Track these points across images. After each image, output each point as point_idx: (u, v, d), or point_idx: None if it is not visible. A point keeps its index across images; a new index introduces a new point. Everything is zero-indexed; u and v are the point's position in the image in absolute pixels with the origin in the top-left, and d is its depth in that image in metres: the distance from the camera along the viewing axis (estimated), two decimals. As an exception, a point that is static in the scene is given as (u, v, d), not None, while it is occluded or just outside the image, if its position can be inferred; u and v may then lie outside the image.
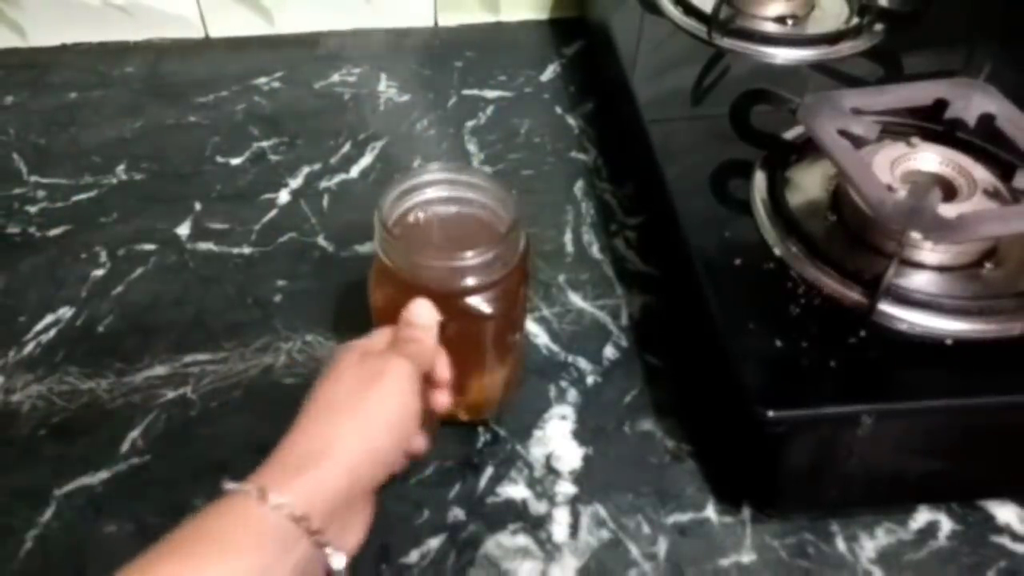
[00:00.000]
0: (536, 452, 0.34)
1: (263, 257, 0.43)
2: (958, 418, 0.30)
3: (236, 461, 0.34)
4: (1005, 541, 0.32)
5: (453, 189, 0.32)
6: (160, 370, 0.37)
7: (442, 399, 0.29)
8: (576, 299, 0.41)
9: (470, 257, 0.28)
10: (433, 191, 0.32)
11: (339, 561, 0.24)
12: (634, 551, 0.31)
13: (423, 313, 0.28)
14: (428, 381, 0.29)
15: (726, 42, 0.46)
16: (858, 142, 0.34)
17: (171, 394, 0.36)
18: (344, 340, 0.29)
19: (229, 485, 0.23)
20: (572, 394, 0.37)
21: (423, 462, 0.34)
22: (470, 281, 0.29)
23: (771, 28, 0.47)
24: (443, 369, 0.29)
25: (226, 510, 0.23)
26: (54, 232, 0.44)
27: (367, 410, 0.25)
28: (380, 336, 0.29)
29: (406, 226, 0.31)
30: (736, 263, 0.33)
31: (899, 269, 0.31)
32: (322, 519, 0.23)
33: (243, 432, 0.35)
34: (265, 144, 0.50)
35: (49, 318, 0.40)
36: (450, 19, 0.60)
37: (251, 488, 0.23)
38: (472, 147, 0.50)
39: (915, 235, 0.31)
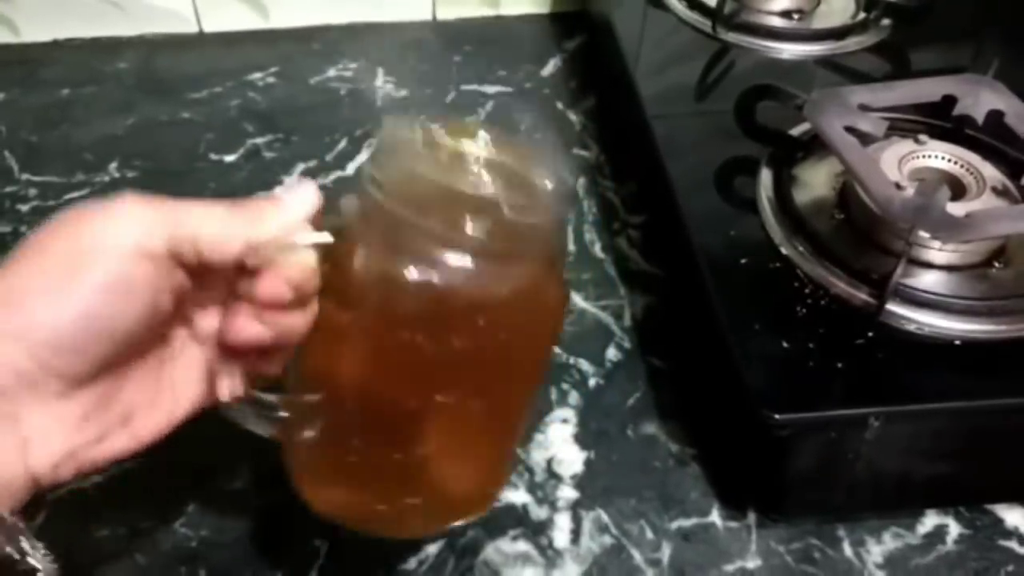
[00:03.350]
0: (537, 456, 0.34)
1: (258, 256, 0.42)
2: (967, 420, 0.29)
3: (229, 465, 0.33)
4: (1013, 545, 0.31)
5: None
6: (153, 372, 0.37)
7: (240, 323, 0.19)
8: (578, 299, 0.40)
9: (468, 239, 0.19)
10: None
11: None
12: (637, 557, 0.31)
13: (298, 188, 0.19)
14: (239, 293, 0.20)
15: (731, 37, 0.45)
16: (865, 139, 0.33)
17: (164, 396, 0.36)
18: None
19: None
20: (574, 397, 0.36)
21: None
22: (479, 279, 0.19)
23: (777, 23, 0.46)
24: (272, 278, 0.19)
25: None
26: (45, 231, 0.44)
27: (37, 259, 0.17)
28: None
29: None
30: (741, 262, 0.33)
31: (907, 268, 0.30)
32: None
33: (237, 435, 0.34)
34: (260, 141, 0.49)
35: (40, 319, 0.39)
36: (449, 13, 0.59)
37: None
38: (471, 144, 0.49)
39: (923, 234, 0.30)
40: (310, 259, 0.20)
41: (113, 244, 0.17)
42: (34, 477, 0.19)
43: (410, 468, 0.23)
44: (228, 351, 0.20)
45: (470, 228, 0.20)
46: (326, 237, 0.21)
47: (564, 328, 0.39)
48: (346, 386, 0.22)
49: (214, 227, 0.19)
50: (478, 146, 0.22)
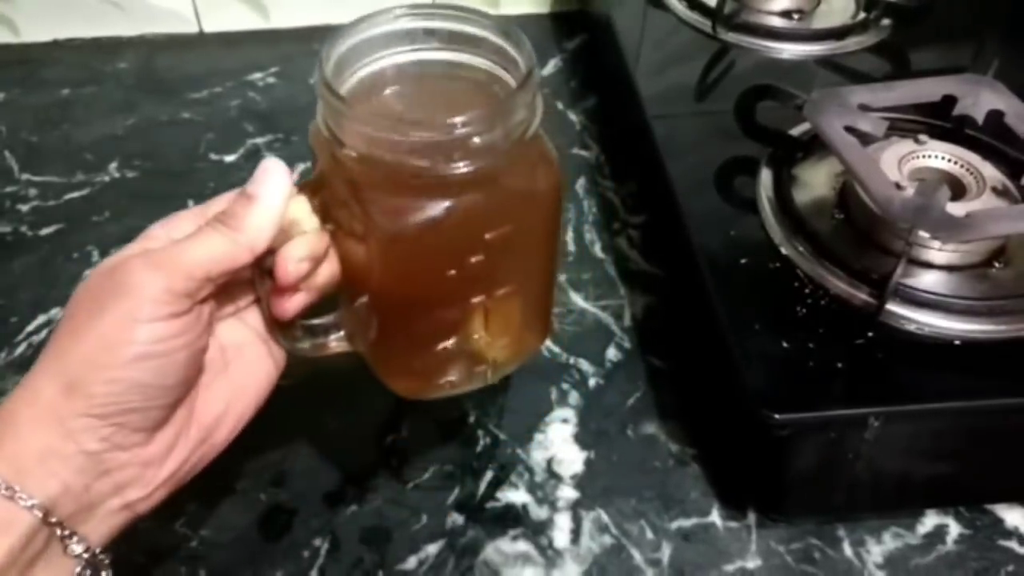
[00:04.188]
0: (537, 456, 0.34)
1: (259, 256, 0.42)
2: (967, 420, 0.29)
3: (229, 462, 0.33)
4: (1013, 545, 0.31)
5: (432, 45, 0.22)
6: (153, 372, 0.37)
7: (286, 304, 0.22)
8: (578, 299, 0.40)
9: (460, 124, 0.19)
10: (402, 52, 0.22)
11: (76, 547, 0.19)
12: (637, 557, 0.31)
13: (268, 177, 0.20)
14: (264, 275, 0.22)
15: (731, 37, 0.45)
16: (865, 139, 0.33)
17: (165, 396, 0.36)
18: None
19: None
20: (574, 396, 0.36)
21: (421, 466, 0.33)
22: (463, 165, 0.20)
23: (777, 23, 0.46)
24: (286, 264, 0.21)
25: None
26: (46, 231, 0.44)
27: (78, 346, 0.19)
28: (183, 219, 0.21)
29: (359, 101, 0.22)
30: (741, 262, 0.33)
31: (907, 268, 0.30)
32: (41, 488, 0.18)
33: (238, 435, 0.34)
34: (260, 140, 0.49)
35: (41, 319, 0.39)
36: (449, 13, 0.59)
37: None
38: (471, 144, 0.49)
39: (923, 234, 0.30)
40: (311, 227, 0.21)
41: (140, 317, 0.19)
42: (133, 511, 0.21)
43: (467, 349, 0.24)
44: (280, 321, 0.22)
45: (452, 164, 0.20)
46: (313, 221, 0.21)
47: (564, 327, 0.39)
48: (387, 303, 0.23)
49: (218, 259, 0.20)
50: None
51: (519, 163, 0.21)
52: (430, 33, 0.22)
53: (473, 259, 0.22)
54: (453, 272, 0.22)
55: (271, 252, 0.22)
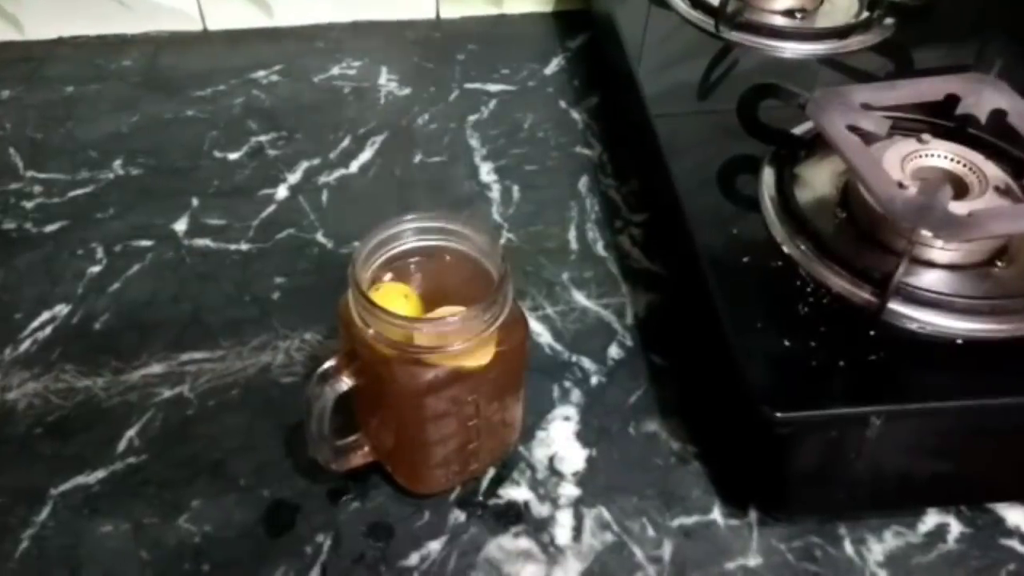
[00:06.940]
0: (539, 453, 0.34)
1: (261, 254, 0.42)
2: (968, 419, 0.29)
3: (233, 460, 0.33)
4: (1015, 544, 0.31)
5: (436, 238, 0.29)
6: (157, 368, 0.37)
7: None
8: (580, 297, 0.40)
9: (451, 322, 0.26)
10: (414, 240, 0.29)
11: None
12: (638, 554, 0.31)
13: None
14: None
15: (734, 35, 0.45)
16: (868, 138, 0.33)
17: (168, 393, 0.36)
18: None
19: None
20: (576, 394, 0.36)
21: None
22: (456, 345, 0.27)
23: (779, 22, 0.46)
24: None
25: None
26: (50, 228, 0.44)
27: None
28: None
29: (383, 280, 0.29)
30: (744, 261, 0.33)
31: (909, 267, 0.30)
32: None
33: (240, 431, 0.34)
34: (263, 138, 0.49)
35: (45, 315, 0.39)
36: (452, 11, 0.59)
37: None
38: (474, 142, 0.49)
39: (925, 233, 0.30)
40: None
41: None
42: None
43: (464, 455, 0.31)
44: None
45: (447, 345, 0.27)
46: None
47: (566, 325, 0.39)
48: (406, 432, 0.30)
49: None
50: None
51: (498, 331, 0.28)
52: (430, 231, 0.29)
53: (469, 398, 0.29)
54: (453, 408, 0.28)
55: None
